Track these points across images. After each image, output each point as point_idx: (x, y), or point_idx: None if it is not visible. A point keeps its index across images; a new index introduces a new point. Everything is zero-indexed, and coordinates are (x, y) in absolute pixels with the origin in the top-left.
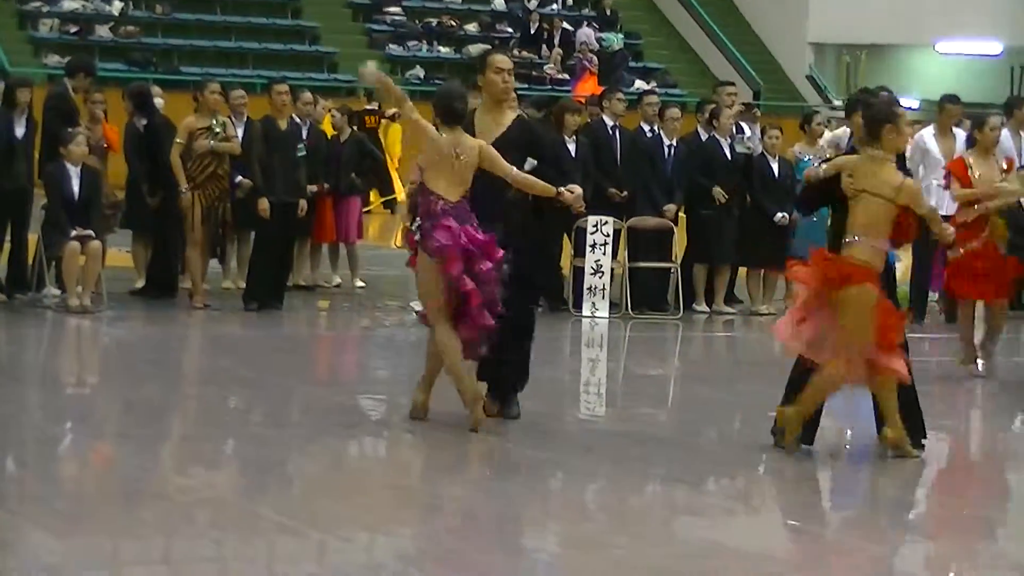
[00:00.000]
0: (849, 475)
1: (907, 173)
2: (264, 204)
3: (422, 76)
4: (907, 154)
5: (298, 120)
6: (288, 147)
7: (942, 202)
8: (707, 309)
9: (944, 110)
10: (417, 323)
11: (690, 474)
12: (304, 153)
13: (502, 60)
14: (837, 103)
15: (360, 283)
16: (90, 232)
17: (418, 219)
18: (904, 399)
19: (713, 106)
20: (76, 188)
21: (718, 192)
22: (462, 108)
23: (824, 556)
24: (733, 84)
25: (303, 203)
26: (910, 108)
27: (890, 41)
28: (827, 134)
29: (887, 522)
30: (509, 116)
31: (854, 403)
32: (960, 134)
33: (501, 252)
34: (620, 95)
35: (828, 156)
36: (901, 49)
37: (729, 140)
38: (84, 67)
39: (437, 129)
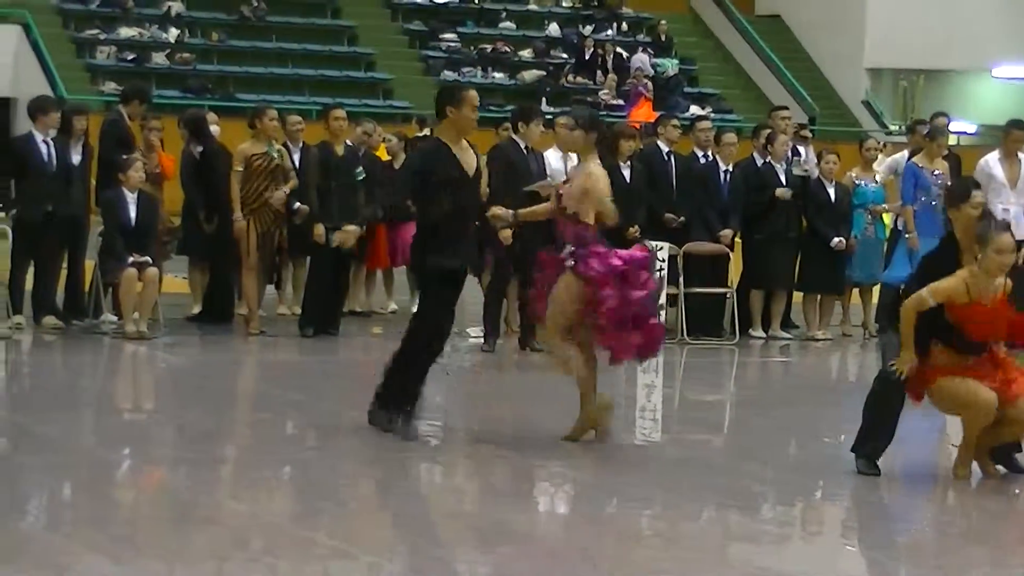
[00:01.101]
0: (907, 500)
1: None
2: (319, 230)
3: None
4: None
5: (354, 145)
6: (346, 172)
7: (1016, 227)
8: (763, 334)
9: (1010, 135)
10: (471, 349)
11: (744, 499)
12: (364, 176)
13: (475, 97)
14: (893, 128)
15: (393, 306)
16: (147, 258)
17: (568, 245)
18: None
19: (768, 131)
20: (133, 214)
21: (783, 192)
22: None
23: None
24: (787, 108)
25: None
26: (966, 132)
27: (947, 66)
28: (883, 159)
29: (943, 548)
30: (467, 145)
31: (907, 426)
32: None
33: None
34: (675, 121)
35: (883, 180)
36: (958, 74)
37: (784, 164)
38: (139, 94)
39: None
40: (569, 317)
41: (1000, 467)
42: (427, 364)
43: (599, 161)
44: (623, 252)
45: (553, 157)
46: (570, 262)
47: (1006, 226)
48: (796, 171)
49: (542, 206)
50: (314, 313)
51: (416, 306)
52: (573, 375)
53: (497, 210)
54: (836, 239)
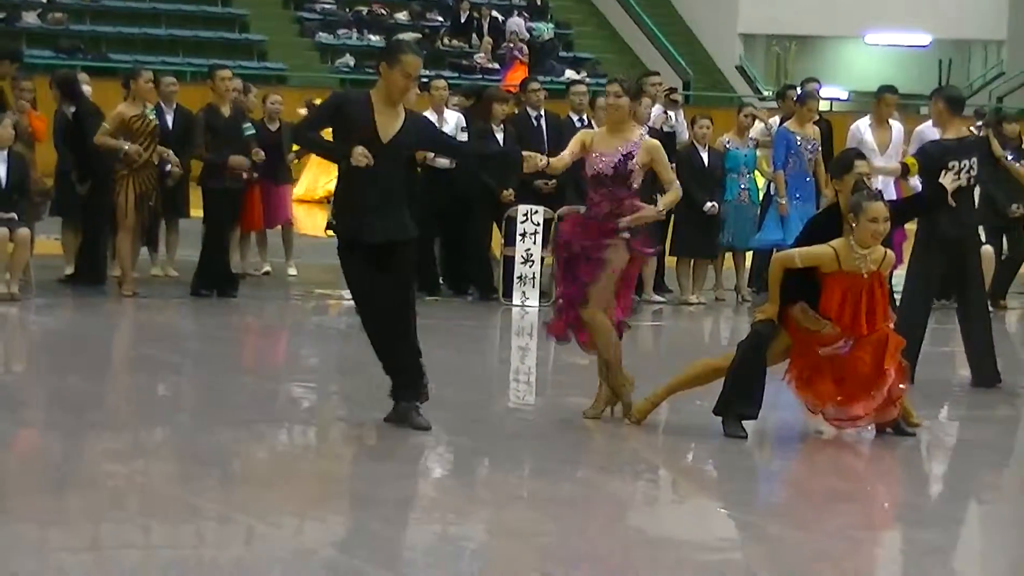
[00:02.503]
0: (776, 464)
1: None
2: (237, 160)
3: (352, 64)
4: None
5: (236, 106)
6: (235, 131)
7: (886, 190)
8: (636, 298)
9: (882, 100)
10: (342, 312)
11: (618, 463)
12: (253, 132)
13: (413, 64)
14: (766, 93)
15: (293, 271)
16: (13, 216)
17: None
18: None
19: None
20: (2, 173)
21: (709, 208)
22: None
23: (749, 543)
24: (659, 74)
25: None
26: (838, 99)
27: (819, 32)
28: (757, 125)
29: (812, 510)
30: (401, 111)
31: (778, 392)
32: (896, 125)
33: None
34: (535, 85)
35: (756, 145)
36: (830, 40)
37: (649, 126)
38: (10, 54)
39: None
40: (612, 291)
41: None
42: (376, 340)
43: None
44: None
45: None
46: (627, 235)
47: (878, 195)
48: (663, 127)
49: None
50: (210, 274)
51: None
52: (610, 352)
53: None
54: (709, 204)
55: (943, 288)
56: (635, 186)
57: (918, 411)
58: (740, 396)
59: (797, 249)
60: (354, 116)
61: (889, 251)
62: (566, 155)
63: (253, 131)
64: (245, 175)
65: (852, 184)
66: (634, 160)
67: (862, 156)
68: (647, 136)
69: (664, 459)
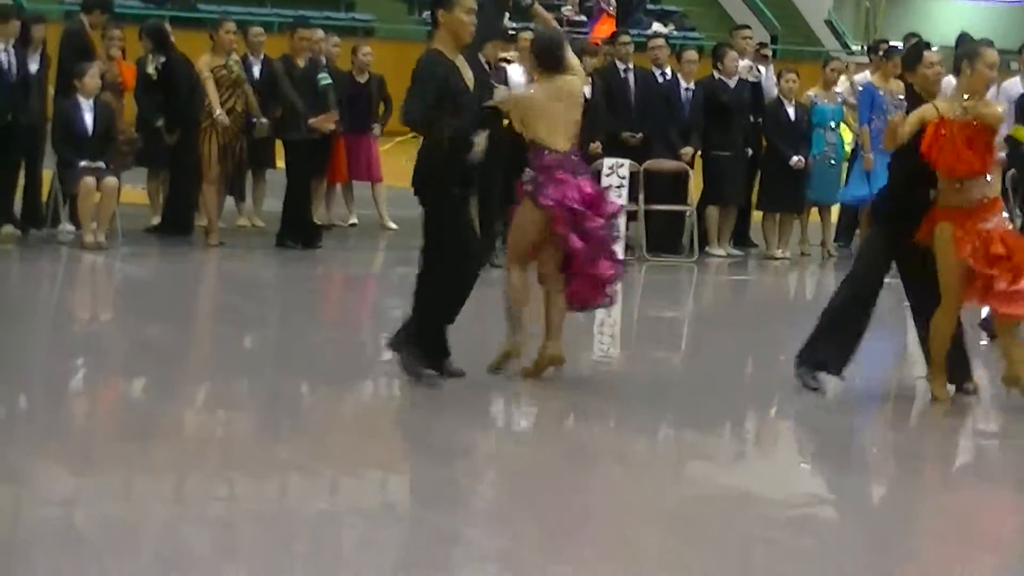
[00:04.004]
0: (863, 419)
1: None
2: (319, 121)
3: None
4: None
5: (314, 57)
6: (310, 83)
7: None
8: (722, 252)
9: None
10: None
11: (702, 417)
12: (329, 81)
13: (471, 0)
14: (855, 48)
15: (392, 224)
16: (101, 165)
17: (529, 170)
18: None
19: (719, 48)
20: (90, 122)
21: (796, 162)
22: (561, 55)
23: (835, 499)
24: (749, 28)
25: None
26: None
27: None
28: (844, 80)
29: (897, 468)
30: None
31: (866, 346)
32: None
33: (614, 205)
34: (625, 38)
35: (843, 101)
36: None
37: (737, 79)
38: (101, 4)
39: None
40: (525, 247)
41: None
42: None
43: (544, 80)
44: (587, 190)
45: (516, 72)
46: (528, 187)
47: (990, 42)
48: (746, 76)
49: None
50: (294, 225)
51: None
52: (509, 304)
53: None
54: (795, 158)
55: None
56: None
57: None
58: (826, 345)
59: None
60: (452, 82)
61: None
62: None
63: (329, 81)
64: (329, 128)
65: (925, 74)
66: None
67: (929, 46)
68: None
69: (748, 414)
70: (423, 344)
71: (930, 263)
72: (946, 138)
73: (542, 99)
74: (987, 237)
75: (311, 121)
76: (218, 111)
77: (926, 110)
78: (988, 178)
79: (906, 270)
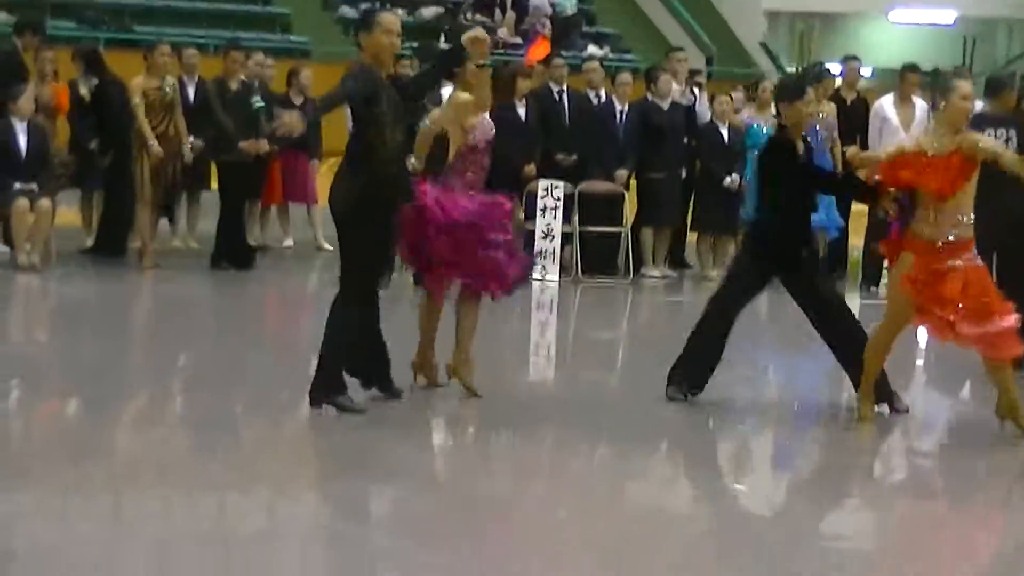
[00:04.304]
0: (797, 440)
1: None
2: (248, 146)
3: None
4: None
5: (247, 80)
6: (242, 103)
7: None
8: (658, 273)
9: (905, 79)
10: None
11: (636, 438)
12: (262, 104)
13: (392, 21)
14: (789, 71)
15: (328, 245)
16: (33, 187)
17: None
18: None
19: (652, 70)
20: (23, 144)
21: (729, 183)
22: None
23: (766, 521)
24: (683, 50)
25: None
26: (863, 77)
27: (844, 9)
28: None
29: (831, 487)
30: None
31: (796, 369)
32: (920, 103)
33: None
34: (559, 61)
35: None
36: (854, 17)
37: (671, 101)
38: (33, 26)
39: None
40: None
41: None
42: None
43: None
44: (472, 207)
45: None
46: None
47: (963, 72)
48: (681, 100)
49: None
50: (228, 247)
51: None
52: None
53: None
54: (728, 179)
55: None
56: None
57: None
58: (688, 359)
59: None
60: (375, 85)
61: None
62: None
63: (262, 104)
64: (258, 151)
65: (800, 111)
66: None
67: (816, 79)
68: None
69: (683, 434)
70: (335, 373)
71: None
72: (930, 166)
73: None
74: (942, 275)
75: (241, 145)
76: (151, 141)
77: (906, 142)
78: (965, 219)
79: (805, 304)
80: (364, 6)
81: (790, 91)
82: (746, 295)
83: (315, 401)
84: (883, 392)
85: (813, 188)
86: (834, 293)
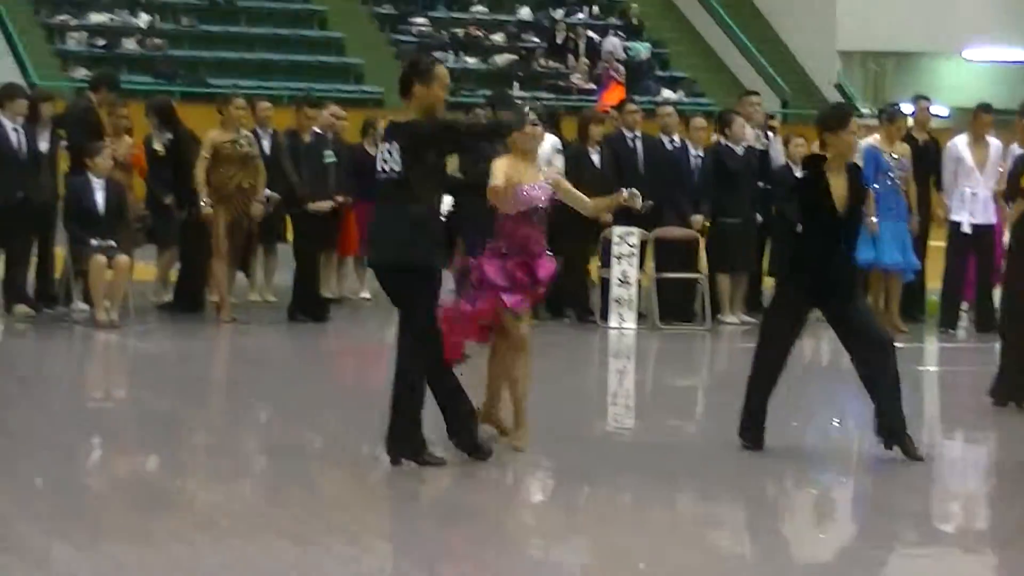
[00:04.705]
0: (874, 487)
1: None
2: (317, 206)
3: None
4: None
5: (322, 132)
6: (315, 157)
7: (976, 210)
8: (735, 319)
9: (978, 118)
10: None
11: (717, 486)
12: (334, 159)
13: (447, 75)
14: (864, 111)
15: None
16: (112, 243)
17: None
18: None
19: (726, 114)
20: (101, 200)
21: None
22: None
23: (846, 570)
24: (757, 94)
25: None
26: (938, 116)
27: (918, 49)
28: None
29: (916, 534)
30: None
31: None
32: (994, 142)
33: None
34: (633, 106)
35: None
36: (929, 56)
37: (745, 145)
38: (108, 81)
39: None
40: None
41: None
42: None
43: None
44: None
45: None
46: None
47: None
48: (756, 144)
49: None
50: (303, 299)
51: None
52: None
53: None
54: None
55: None
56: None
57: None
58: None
59: None
60: None
61: None
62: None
63: (334, 159)
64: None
65: (846, 140)
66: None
67: (858, 112)
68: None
69: (764, 481)
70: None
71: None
72: None
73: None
74: None
75: (309, 206)
76: (203, 198)
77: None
78: None
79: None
80: (437, 54)
81: (835, 119)
82: (792, 332)
83: (395, 457)
84: None
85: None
86: (870, 327)
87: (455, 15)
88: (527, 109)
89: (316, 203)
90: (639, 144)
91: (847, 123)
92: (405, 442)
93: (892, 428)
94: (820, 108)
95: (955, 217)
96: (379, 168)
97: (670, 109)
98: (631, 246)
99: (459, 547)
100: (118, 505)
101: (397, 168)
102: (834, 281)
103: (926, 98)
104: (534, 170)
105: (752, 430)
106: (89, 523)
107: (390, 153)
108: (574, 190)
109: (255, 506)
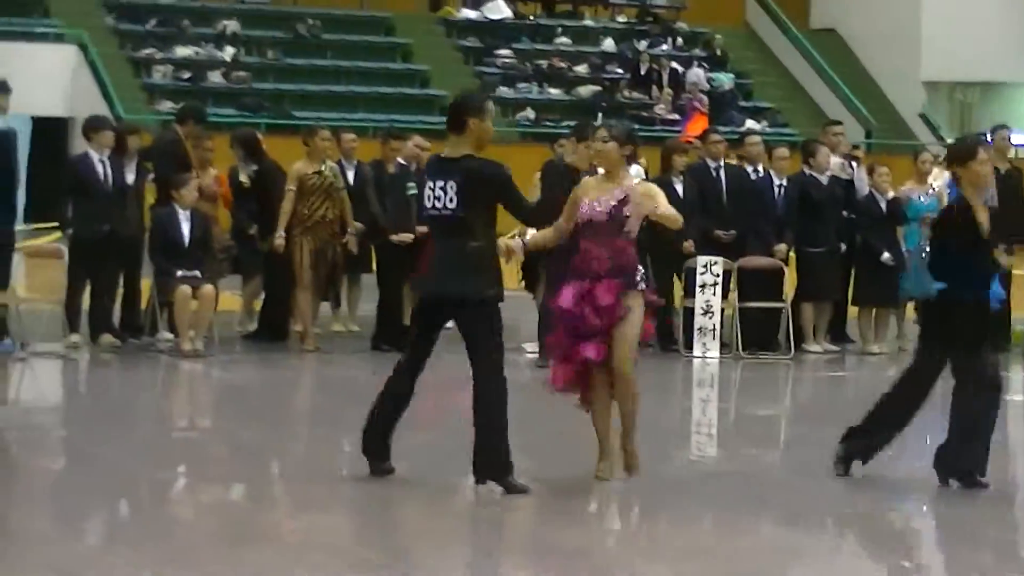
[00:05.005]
0: (960, 516)
1: None
2: (399, 238)
3: (532, 118)
4: None
5: (405, 163)
6: (398, 188)
7: None
8: (819, 348)
9: None
10: (527, 364)
11: (799, 515)
12: (415, 192)
13: (493, 108)
14: (951, 142)
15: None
16: (196, 274)
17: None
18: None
19: (810, 144)
20: (186, 232)
21: (887, 259)
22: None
23: None
24: (840, 123)
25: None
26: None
27: (1004, 79)
28: (938, 172)
29: (1002, 566)
30: None
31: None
32: None
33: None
34: (716, 136)
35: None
36: (1015, 86)
37: (829, 175)
38: (194, 113)
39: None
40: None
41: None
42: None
43: (633, 176)
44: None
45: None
46: (642, 285)
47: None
48: (841, 173)
49: (548, 232)
50: (387, 329)
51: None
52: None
53: (508, 241)
54: (886, 255)
55: None
56: (631, 233)
57: None
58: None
59: None
60: None
61: None
62: (561, 222)
63: (415, 191)
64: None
65: (976, 171)
66: (628, 206)
67: (985, 143)
68: (642, 181)
69: (847, 512)
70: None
71: None
72: None
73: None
74: None
75: (392, 238)
76: (280, 231)
77: None
78: None
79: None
80: (521, 86)
81: (962, 152)
82: (937, 372)
83: (481, 479)
84: None
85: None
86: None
87: (539, 47)
88: (598, 125)
89: (399, 235)
90: (723, 174)
91: (975, 153)
92: (489, 465)
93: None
94: (949, 145)
95: None
96: (430, 204)
97: (757, 139)
98: (715, 275)
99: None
100: (208, 537)
101: (452, 206)
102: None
103: (1006, 127)
104: (612, 187)
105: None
106: (180, 556)
107: (444, 191)
108: (662, 202)
109: (343, 538)
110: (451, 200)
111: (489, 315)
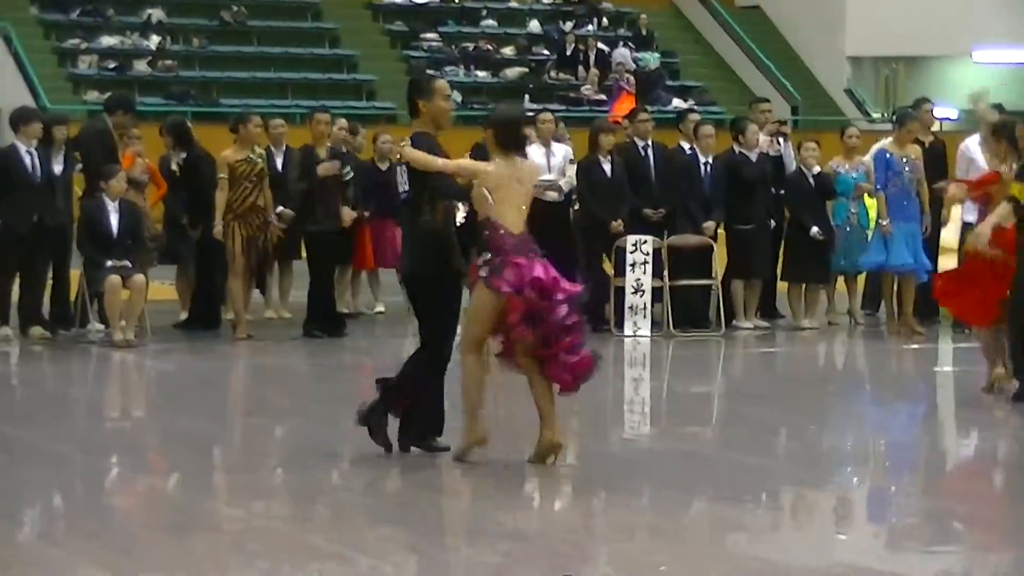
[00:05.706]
0: (892, 487)
1: None
2: (329, 166)
3: (460, 101)
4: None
5: (337, 148)
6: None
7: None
8: (749, 325)
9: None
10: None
11: (735, 491)
12: (351, 176)
13: (446, 86)
14: (876, 116)
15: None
16: (127, 264)
17: (487, 252)
18: None
19: (739, 121)
20: (115, 222)
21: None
22: (525, 136)
23: (870, 569)
24: (768, 100)
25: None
26: (948, 118)
27: (927, 52)
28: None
29: (934, 533)
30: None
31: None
32: None
33: (575, 287)
34: (644, 115)
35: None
36: (938, 60)
37: (758, 152)
38: (124, 103)
39: (483, 155)
40: (480, 333)
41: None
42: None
43: (503, 159)
44: (544, 275)
45: (536, 153)
46: (483, 271)
47: None
48: (769, 150)
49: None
50: (319, 315)
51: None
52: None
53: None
54: (815, 229)
55: None
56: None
57: None
58: None
59: None
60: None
61: None
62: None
63: (351, 174)
64: (346, 218)
65: None
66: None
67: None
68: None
69: (781, 486)
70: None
71: None
72: None
73: (501, 175)
74: None
75: (319, 167)
76: (217, 222)
77: None
78: None
79: None
80: (448, 69)
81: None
82: None
83: (403, 445)
84: None
85: None
86: None
87: (465, 30)
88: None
89: (323, 166)
90: (651, 153)
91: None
92: (409, 431)
93: None
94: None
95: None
96: (401, 189)
97: (697, 116)
98: (645, 254)
99: (480, 557)
100: (146, 528)
101: (406, 188)
102: None
103: (928, 100)
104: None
105: None
106: (118, 547)
107: (401, 175)
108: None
109: (284, 526)
110: (405, 183)
111: (431, 290)
